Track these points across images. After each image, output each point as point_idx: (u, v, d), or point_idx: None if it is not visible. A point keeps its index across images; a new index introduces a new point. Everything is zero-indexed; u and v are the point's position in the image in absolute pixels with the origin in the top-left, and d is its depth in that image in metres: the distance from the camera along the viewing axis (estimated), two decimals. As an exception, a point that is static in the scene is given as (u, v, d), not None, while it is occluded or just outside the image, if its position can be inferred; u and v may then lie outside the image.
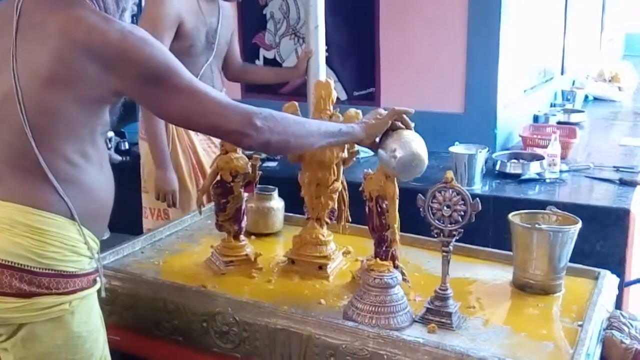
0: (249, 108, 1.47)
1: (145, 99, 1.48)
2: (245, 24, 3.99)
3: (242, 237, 2.04)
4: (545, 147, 3.19)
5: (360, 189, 1.82)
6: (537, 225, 1.83)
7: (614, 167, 3.14)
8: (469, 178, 2.89)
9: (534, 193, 2.88)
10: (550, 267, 1.80)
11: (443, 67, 3.54)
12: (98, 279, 1.52)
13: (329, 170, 1.89)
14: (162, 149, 2.70)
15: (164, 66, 1.41)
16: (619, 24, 7.48)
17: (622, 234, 2.59)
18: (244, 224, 2.05)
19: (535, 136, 3.45)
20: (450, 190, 1.61)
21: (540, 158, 3.09)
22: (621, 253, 2.57)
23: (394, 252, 1.79)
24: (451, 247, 1.63)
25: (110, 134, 3.65)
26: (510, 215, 1.87)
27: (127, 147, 4.11)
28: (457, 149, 2.96)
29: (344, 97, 3.80)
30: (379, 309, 1.62)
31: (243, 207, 2.04)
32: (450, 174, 1.62)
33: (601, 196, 2.81)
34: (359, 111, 1.85)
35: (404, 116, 1.70)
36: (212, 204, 2.13)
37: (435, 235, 1.64)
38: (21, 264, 1.36)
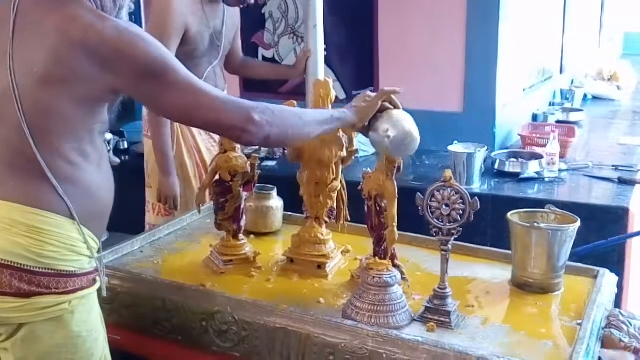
0: (246, 103, 1.47)
1: (142, 96, 1.48)
2: (244, 23, 3.97)
3: (241, 236, 2.04)
4: (544, 146, 3.19)
5: (359, 188, 1.82)
6: (536, 224, 1.83)
7: (613, 166, 3.15)
8: (467, 177, 2.90)
9: (533, 192, 2.88)
10: (549, 266, 1.80)
11: (442, 66, 3.55)
12: (98, 278, 1.52)
13: (327, 169, 1.90)
14: (166, 154, 2.72)
15: (161, 62, 1.41)
16: (618, 23, 7.49)
17: (621, 233, 2.59)
18: (243, 223, 2.05)
19: (534, 135, 3.45)
20: (449, 189, 1.61)
21: (539, 157, 3.09)
22: (620, 252, 2.57)
23: (393, 251, 1.79)
24: (450, 246, 1.63)
25: (109, 136, 3.65)
26: (509, 214, 1.87)
27: (126, 146, 4.11)
28: (456, 147, 2.97)
29: (342, 96, 3.81)
30: (378, 308, 1.62)
31: (242, 206, 2.04)
32: (449, 173, 1.62)
33: (600, 195, 2.82)
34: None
35: (392, 96, 1.71)
36: (211, 203, 2.13)
37: (434, 234, 1.64)
38: (21, 264, 1.36)
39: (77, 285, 1.43)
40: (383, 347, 1.50)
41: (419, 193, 1.64)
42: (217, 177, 1.99)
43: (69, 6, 1.40)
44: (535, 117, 4.07)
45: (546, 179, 2.99)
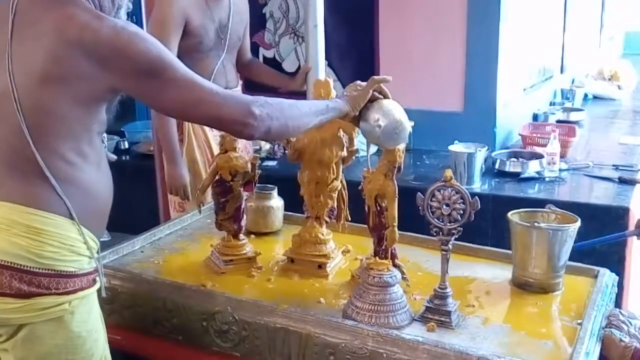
0: (246, 97, 1.48)
1: (141, 94, 1.48)
2: (245, 23, 3.99)
3: (241, 236, 2.04)
4: (544, 145, 3.19)
5: (360, 187, 1.82)
6: (536, 224, 1.83)
7: (614, 165, 3.14)
8: (468, 177, 2.90)
9: (534, 192, 2.88)
10: (549, 265, 1.80)
11: (442, 65, 3.54)
12: (98, 278, 1.52)
13: (328, 169, 1.90)
14: (172, 144, 2.73)
15: (158, 60, 1.41)
16: (618, 23, 7.49)
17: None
18: (243, 223, 2.05)
19: (534, 135, 3.45)
20: (450, 189, 1.61)
21: (539, 157, 3.09)
22: (620, 251, 2.57)
23: (393, 251, 1.79)
24: (450, 246, 1.63)
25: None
26: (509, 214, 1.87)
27: (126, 146, 4.11)
28: (457, 147, 2.97)
29: (343, 95, 3.80)
30: (379, 308, 1.62)
31: (242, 206, 2.04)
32: (449, 173, 1.62)
33: (600, 195, 2.82)
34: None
35: (382, 85, 1.71)
36: (212, 202, 2.13)
37: (435, 234, 1.64)
38: (20, 265, 1.36)
39: (77, 285, 1.44)
40: (383, 347, 1.51)
41: (419, 193, 1.64)
42: (217, 177, 1.99)
43: (67, 6, 1.40)
44: (535, 117, 4.07)
45: (546, 179, 2.98)
